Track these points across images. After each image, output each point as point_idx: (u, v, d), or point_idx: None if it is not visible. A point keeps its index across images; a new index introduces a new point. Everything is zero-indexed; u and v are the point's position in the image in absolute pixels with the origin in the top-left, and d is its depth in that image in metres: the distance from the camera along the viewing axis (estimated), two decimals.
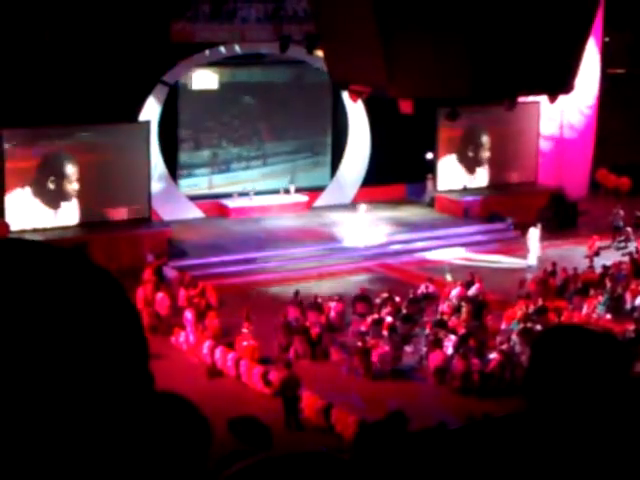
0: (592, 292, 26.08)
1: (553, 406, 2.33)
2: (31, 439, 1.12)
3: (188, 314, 23.88)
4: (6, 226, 28.05)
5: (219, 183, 35.93)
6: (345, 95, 31.71)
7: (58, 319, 1.16)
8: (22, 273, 1.20)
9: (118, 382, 1.18)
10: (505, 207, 34.91)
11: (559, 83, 23.91)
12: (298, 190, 36.18)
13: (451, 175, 36.42)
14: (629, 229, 33.29)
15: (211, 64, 34.62)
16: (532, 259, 30.61)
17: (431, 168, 36.57)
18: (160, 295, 24.93)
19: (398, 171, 36.69)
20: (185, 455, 2.35)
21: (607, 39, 37.94)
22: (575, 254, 30.79)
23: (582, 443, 2.29)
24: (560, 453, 2.29)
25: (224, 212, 34.85)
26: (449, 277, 27.81)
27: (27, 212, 28.98)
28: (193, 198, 34.80)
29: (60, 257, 1.24)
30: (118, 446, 1.17)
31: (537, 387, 2.39)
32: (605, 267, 27.91)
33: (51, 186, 29.60)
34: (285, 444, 18.40)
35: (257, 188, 35.52)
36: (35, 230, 28.29)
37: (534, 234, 31.07)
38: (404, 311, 24.41)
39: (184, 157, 35.36)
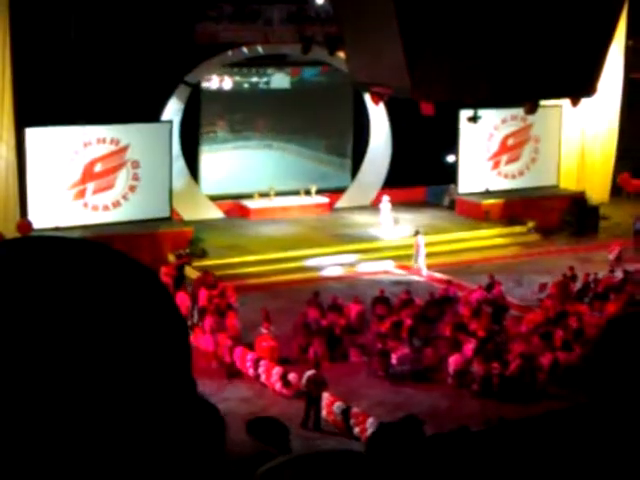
0: (612, 297, 25.96)
1: (616, 401, 2.22)
2: (76, 436, 1.14)
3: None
4: (28, 224, 28.16)
5: (239, 183, 35.93)
6: (366, 97, 31.69)
7: (109, 320, 1.16)
8: (67, 272, 1.20)
9: (165, 385, 1.18)
10: (526, 211, 34.78)
11: (581, 86, 23.83)
12: (319, 192, 36.19)
13: (472, 178, 36.28)
14: None
15: (233, 64, 34.67)
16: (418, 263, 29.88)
17: (452, 171, 36.44)
18: (180, 295, 24.96)
19: (419, 173, 36.64)
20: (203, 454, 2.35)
21: (630, 43, 37.74)
22: (596, 259, 30.64)
23: None
24: (621, 448, 2.19)
25: (244, 213, 34.87)
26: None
27: (48, 210, 29.09)
28: (214, 198, 34.84)
29: (107, 256, 1.25)
30: (158, 449, 1.18)
31: (601, 381, 2.25)
32: (626, 272, 27.77)
33: (72, 184, 29.73)
34: (303, 445, 18.40)
35: (278, 188, 35.48)
36: (56, 229, 28.35)
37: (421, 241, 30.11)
38: (424, 313, 24.40)
39: (205, 157, 35.42)
